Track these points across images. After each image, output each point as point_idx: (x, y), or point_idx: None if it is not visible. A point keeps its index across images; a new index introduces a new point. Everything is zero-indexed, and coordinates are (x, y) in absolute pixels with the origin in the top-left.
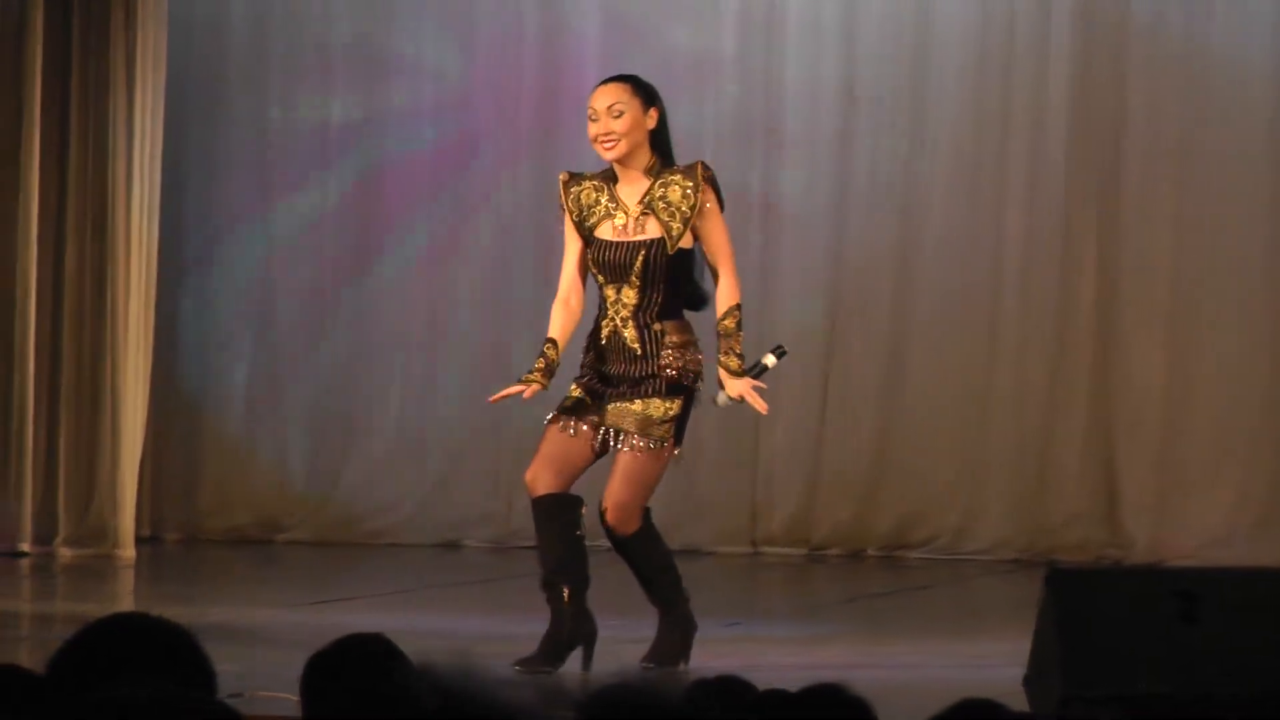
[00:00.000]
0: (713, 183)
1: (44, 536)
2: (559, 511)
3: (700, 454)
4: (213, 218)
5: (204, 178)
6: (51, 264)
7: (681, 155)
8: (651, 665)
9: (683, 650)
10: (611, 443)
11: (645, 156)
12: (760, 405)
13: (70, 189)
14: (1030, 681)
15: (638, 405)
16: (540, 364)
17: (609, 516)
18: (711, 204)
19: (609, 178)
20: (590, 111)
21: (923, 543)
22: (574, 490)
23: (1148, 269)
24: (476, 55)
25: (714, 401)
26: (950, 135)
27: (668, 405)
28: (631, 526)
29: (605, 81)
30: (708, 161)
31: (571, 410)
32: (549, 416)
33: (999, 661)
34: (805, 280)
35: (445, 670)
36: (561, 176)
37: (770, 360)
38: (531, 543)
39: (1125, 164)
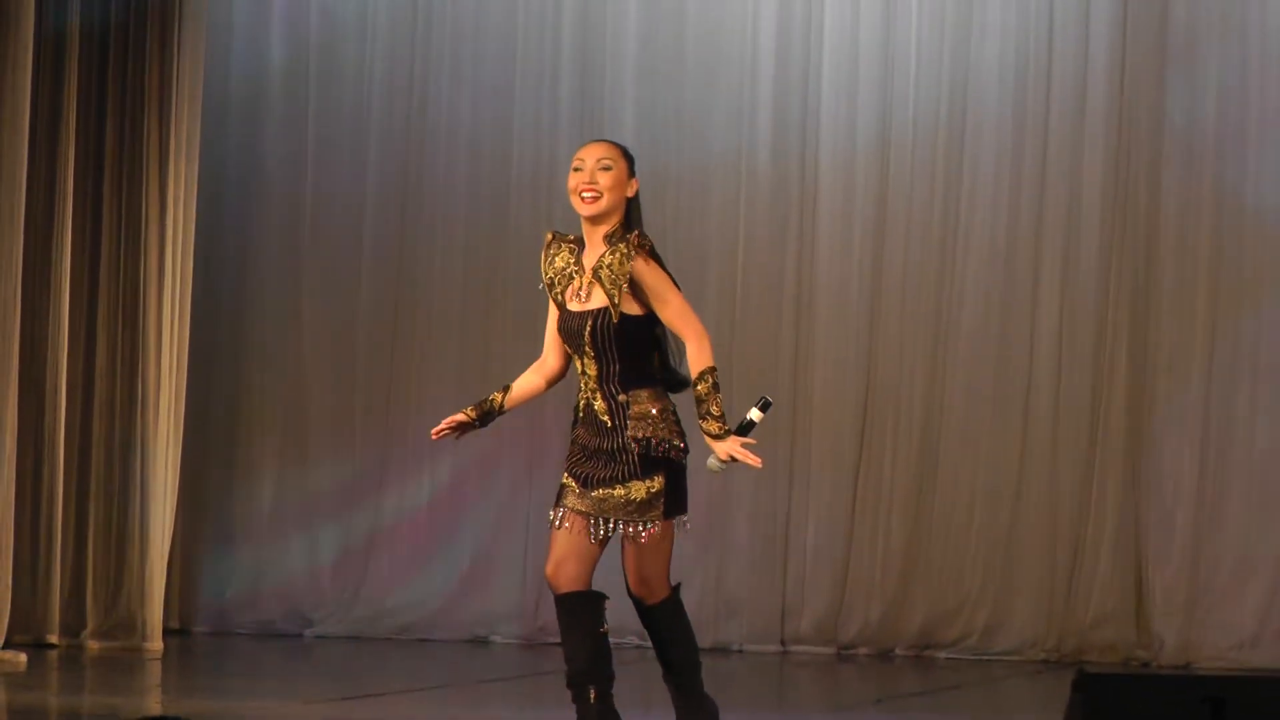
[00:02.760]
0: (645, 249)
1: (72, 629)
2: (583, 610)
3: (731, 553)
4: (245, 308)
5: (236, 267)
6: (82, 355)
7: (717, 247)
8: None
9: None
10: (604, 531)
11: (614, 223)
12: (753, 461)
13: (102, 281)
14: None
15: (619, 491)
16: (482, 402)
17: (634, 589)
18: (648, 269)
19: (581, 241)
20: (577, 161)
21: (952, 642)
22: (597, 568)
23: (1180, 369)
24: (513, 129)
25: (709, 469)
26: (984, 234)
27: (649, 484)
28: (658, 596)
29: (596, 140)
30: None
31: (564, 501)
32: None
33: None
34: (836, 378)
35: None
36: (546, 237)
37: (756, 415)
38: (559, 639)
39: (1158, 264)
